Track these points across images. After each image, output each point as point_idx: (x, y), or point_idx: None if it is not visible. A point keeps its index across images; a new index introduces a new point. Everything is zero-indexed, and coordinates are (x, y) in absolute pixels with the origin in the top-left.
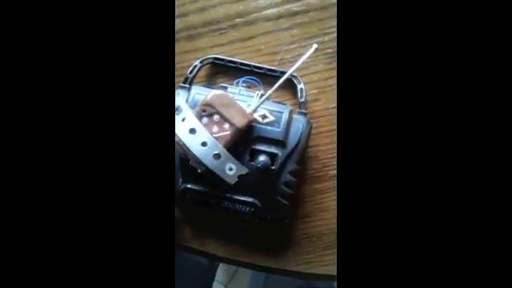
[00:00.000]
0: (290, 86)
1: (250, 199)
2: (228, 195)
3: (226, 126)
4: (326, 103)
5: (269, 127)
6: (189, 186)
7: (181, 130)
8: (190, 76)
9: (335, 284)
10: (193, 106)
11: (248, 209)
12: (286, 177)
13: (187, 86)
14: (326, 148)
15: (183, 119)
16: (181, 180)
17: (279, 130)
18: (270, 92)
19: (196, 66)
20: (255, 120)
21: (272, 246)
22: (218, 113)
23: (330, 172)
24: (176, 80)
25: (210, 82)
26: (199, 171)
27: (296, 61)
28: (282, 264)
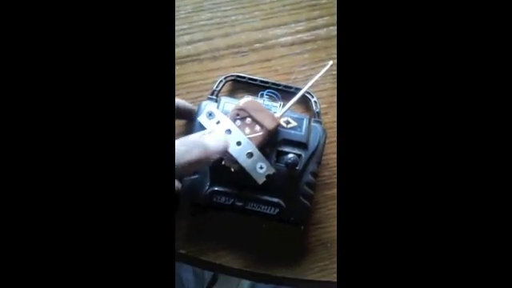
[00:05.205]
0: (302, 100)
1: (275, 199)
2: (254, 196)
3: (258, 128)
4: (334, 116)
5: (292, 131)
6: (216, 188)
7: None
8: (217, 90)
9: None
10: (223, 113)
11: (273, 210)
12: (308, 177)
13: (214, 97)
14: (336, 156)
15: (218, 122)
16: (208, 184)
17: (302, 133)
18: (295, 98)
19: (221, 81)
20: (281, 125)
21: (287, 254)
22: (250, 116)
23: None
24: (198, 95)
25: (231, 97)
26: (232, 170)
27: (307, 79)
28: (298, 273)
